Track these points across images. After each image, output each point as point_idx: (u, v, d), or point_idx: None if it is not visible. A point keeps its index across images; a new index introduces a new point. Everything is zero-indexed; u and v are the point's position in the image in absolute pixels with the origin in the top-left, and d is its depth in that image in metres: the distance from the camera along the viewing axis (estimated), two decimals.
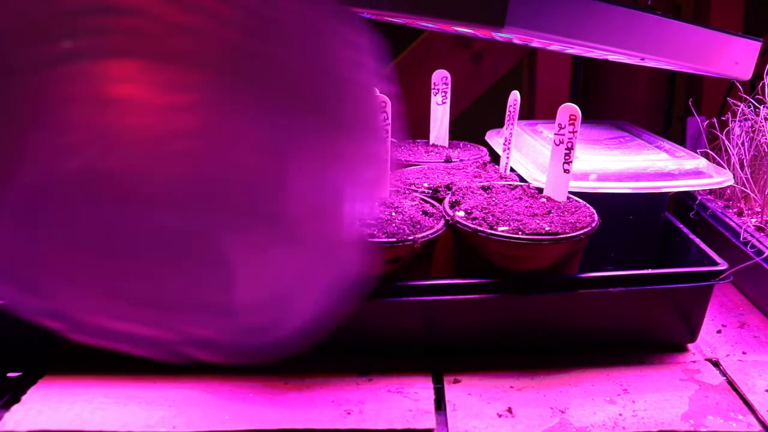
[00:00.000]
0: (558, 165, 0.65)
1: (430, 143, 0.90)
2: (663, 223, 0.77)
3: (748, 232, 0.72)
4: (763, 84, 0.80)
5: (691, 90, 1.11)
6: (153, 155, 0.32)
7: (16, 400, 0.57)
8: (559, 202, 0.66)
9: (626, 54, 0.64)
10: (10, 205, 0.32)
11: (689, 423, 0.53)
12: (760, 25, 1.04)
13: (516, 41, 0.62)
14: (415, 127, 0.96)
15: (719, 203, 0.83)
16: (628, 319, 0.63)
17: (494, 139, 0.88)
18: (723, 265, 0.63)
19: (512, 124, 0.74)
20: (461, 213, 0.64)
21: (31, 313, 0.35)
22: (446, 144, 0.90)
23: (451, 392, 0.58)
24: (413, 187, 0.72)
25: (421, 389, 0.58)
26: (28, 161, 0.31)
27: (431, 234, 0.61)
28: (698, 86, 1.08)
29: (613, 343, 0.64)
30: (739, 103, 0.83)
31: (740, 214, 0.80)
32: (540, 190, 0.69)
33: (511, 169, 0.78)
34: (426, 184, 0.73)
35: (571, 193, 0.67)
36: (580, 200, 0.67)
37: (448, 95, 0.88)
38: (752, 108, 0.82)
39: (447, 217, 0.63)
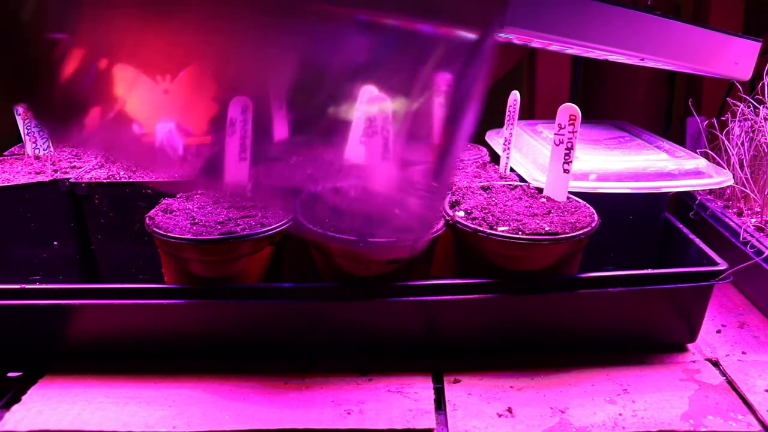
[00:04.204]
0: (558, 165, 0.65)
1: None
2: (663, 223, 0.77)
3: (747, 232, 0.72)
4: (763, 84, 0.80)
5: (691, 90, 1.11)
6: None
7: (17, 400, 0.57)
8: (559, 202, 0.66)
9: (626, 54, 0.64)
10: None
11: (689, 423, 0.53)
12: (760, 25, 1.04)
13: (516, 41, 0.63)
14: None
15: (719, 203, 0.84)
16: (628, 319, 0.63)
17: (494, 139, 0.88)
18: (723, 265, 0.63)
19: (512, 124, 0.74)
20: (461, 213, 0.64)
21: None
22: None
23: (451, 392, 0.58)
24: None
25: (421, 389, 0.58)
26: None
27: (431, 234, 0.61)
28: (698, 86, 1.08)
29: (613, 343, 0.64)
30: (738, 103, 0.83)
31: (740, 214, 0.80)
32: (540, 190, 0.69)
33: (511, 169, 0.78)
34: None
35: (571, 193, 0.67)
36: (580, 200, 0.67)
37: None
38: (752, 108, 0.82)
39: (447, 217, 0.63)
